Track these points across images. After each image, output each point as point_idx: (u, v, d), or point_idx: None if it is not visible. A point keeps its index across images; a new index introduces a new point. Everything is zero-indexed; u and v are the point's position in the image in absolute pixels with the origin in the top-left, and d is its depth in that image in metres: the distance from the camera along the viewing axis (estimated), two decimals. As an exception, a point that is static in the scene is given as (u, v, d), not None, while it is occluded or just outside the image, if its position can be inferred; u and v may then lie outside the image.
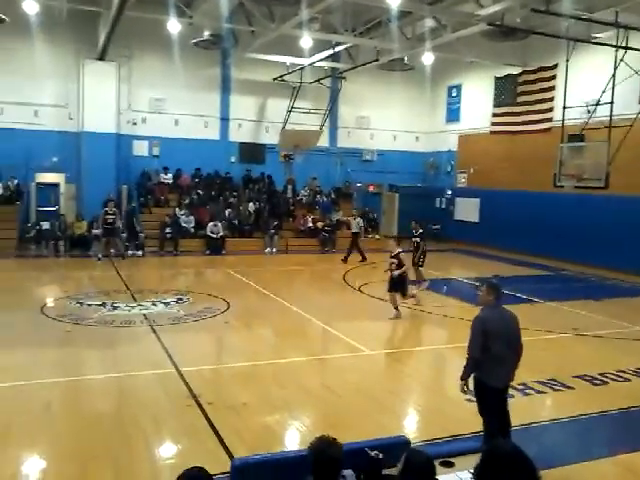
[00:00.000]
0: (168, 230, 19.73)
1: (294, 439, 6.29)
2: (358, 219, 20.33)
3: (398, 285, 11.55)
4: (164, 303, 12.15)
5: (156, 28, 19.00)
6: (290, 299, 13.06)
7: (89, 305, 11.76)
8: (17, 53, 20.14)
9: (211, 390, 7.36)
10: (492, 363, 5.35)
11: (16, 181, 20.24)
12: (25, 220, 20.11)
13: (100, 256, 17.80)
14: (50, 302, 12.41)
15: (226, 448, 5.71)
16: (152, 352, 8.88)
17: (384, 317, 11.45)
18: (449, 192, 25.71)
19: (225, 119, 23.72)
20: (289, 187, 24.22)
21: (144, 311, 11.42)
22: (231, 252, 20.00)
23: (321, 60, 21.43)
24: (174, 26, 18.16)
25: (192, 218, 20.70)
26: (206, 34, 19.60)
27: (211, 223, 20.27)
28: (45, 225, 19.08)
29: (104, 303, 11.92)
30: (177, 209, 20.99)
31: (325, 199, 24.21)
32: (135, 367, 8.25)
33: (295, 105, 23.39)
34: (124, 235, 19.15)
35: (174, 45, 19.60)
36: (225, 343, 10.27)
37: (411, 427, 6.81)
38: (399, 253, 11.54)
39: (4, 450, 5.68)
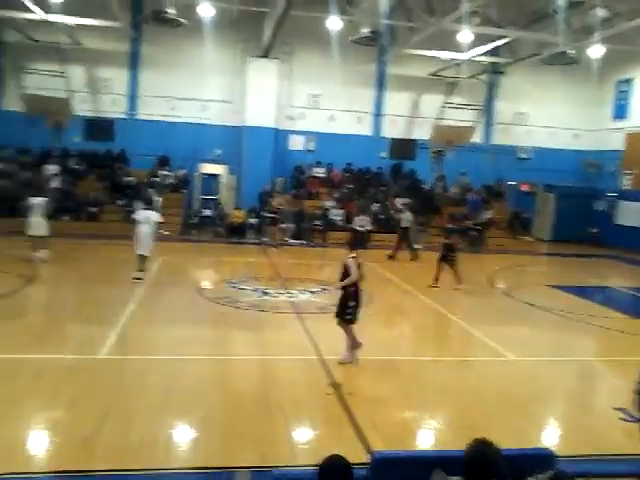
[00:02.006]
0: (318, 222, 20.39)
1: (431, 437, 6.30)
2: (407, 213, 18.96)
3: (344, 309, 8.02)
4: (311, 292, 12.61)
5: (317, 25, 19.64)
6: (433, 297, 12.95)
7: (242, 290, 12.51)
8: (189, 53, 21.81)
9: (351, 381, 7.54)
10: None
11: (184, 171, 22.00)
12: (189, 207, 21.79)
13: (274, 243, 18.91)
14: (207, 285, 13.34)
15: (364, 440, 5.84)
16: (297, 338, 9.27)
17: (532, 323, 10.99)
18: (611, 194, 23.92)
19: (378, 115, 23.93)
20: (439, 184, 23.91)
21: (292, 299, 11.95)
22: (376, 246, 20.15)
23: (479, 55, 20.88)
24: (335, 23, 18.63)
25: (341, 211, 21.17)
26: (365, 31, 19.87)
27: (357, 217, 20.61)
28: (207, 212, 20.50)
29: (256, 289, 12.62)
30: (326, 202, 21.56)
31: (475, 197, 23.60)
32: (280, 351, 8.68)
33: (450, 101, 23.03)
34: (290, 225, 20.17)
35: (333, 42, 20.11)
36: (367, 336, 10.35)
37: (553, 440, 6.50)
38: (348, 260, 7.95)
39: (162, 416, 6.25)
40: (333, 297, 12.17)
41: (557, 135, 25.16)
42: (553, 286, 14.19)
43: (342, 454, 3.40)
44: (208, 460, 5.39)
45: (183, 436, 5.99)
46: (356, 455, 5.01)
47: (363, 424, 6.18)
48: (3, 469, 5.01)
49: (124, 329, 9.26)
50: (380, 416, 6.48)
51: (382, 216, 21.66)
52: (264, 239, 19.56)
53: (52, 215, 14.99)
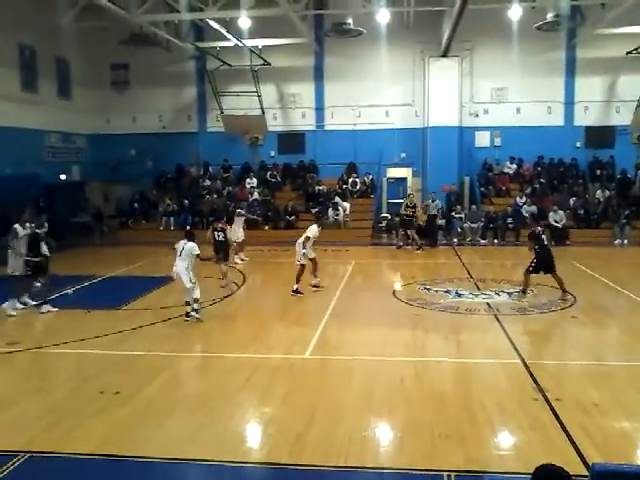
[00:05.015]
0: (509, 220, 19.70)
1: (654, 451, 5.78)
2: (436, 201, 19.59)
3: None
4: (507, 293, 12.21)
5: (496, 18, 19.09)
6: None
7: (435, 291, 12.51)
8: (369, 60, 22.32)
9: (558, 386, 7.19)
10: None
11: (371, 176, 22.64)
12: (377, 211, 22.27)
13: (398, 244, 18.95)
14: (400, 287, 13.51)
15: (576, 448, 5.54)
16: (496, 341, 9.05)
17: None
18: None
19: (570, 103, 22.48)
20: (639, 172, 21.81)
21: (488, 300, 11.67)
22: (575, 243, 18.96)
23: (688, 23, 18.73)
24: (515, 12, 17.93)
25: (534, 207, 20.20)
26: (549, 16, 18.88)
27: (551, 212, 19.52)
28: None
29: (449, 290, 12.53)
30: (518, 198, 20.72)
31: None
32: (480, 354, 8.53)
33: (653, 79, 20.93)
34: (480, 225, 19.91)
35: (514, 32, 19.36)
36: (572, 338, 9.85)
37: None
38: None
39: (367, 415, 6.47)
40: (532, 298, 11.76)
41: None
42: None
43: (554, 463, 3.21)
44: (415, 461, 5.44)
45: (389, 435, 6.14)
46: (569, 466, 4.75)
47: (575, 432, 5.86)
48: (227, 458, 5.53)
49: (325, 330, 9.75)
50: (594, 425, 6.09)
51: (581, 211, 20.27)
52: (454, 240, 19.41)
53: (253, 224, 16.37)
